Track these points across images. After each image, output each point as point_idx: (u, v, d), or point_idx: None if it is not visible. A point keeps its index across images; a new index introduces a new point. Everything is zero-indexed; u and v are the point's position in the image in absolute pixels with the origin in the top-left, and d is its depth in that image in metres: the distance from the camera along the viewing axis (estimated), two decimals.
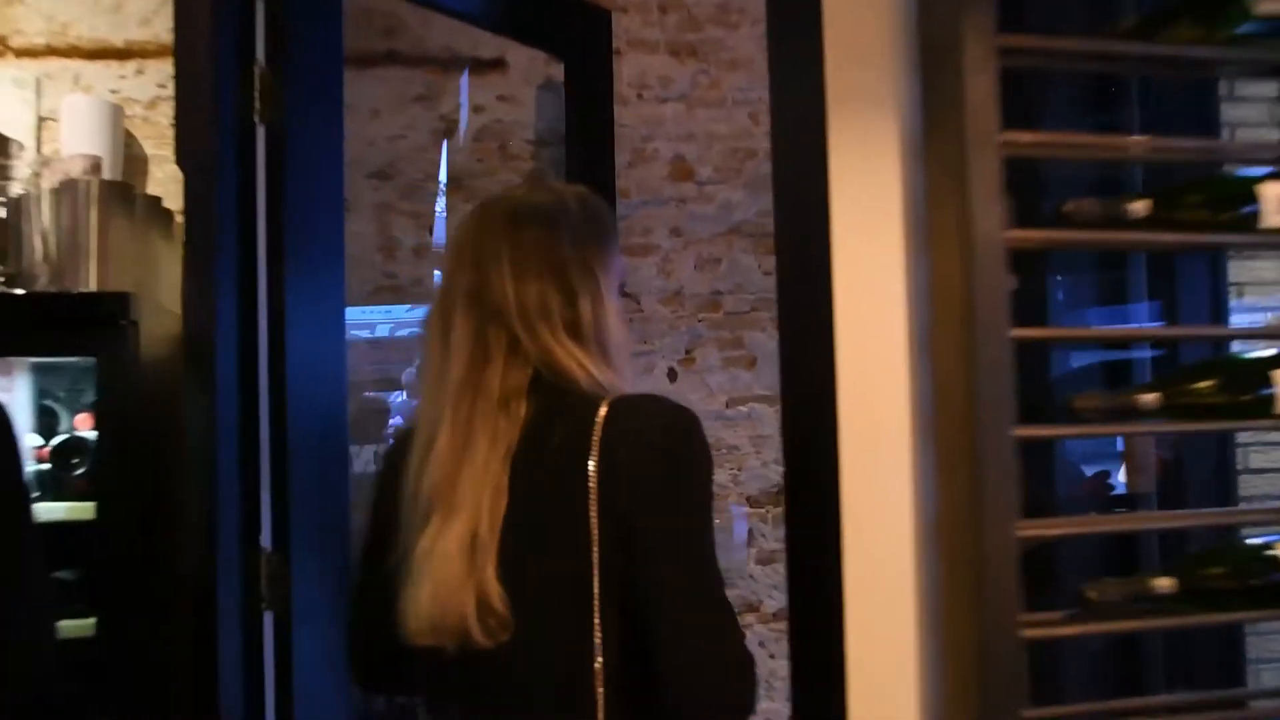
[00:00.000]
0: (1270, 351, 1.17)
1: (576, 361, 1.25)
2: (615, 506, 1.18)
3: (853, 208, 1.20)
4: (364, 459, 3.50)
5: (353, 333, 3.96)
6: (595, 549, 1.18)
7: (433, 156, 2.95)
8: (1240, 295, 2.68)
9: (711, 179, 3.06)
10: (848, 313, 1.19)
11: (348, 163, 2.96)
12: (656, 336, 3.04)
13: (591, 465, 1.19)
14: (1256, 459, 2.69)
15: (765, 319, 3.02)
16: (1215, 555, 1.18)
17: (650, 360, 3.03)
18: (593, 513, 1.18)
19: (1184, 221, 1.19)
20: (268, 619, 1.78)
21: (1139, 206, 1.17)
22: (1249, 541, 1.19)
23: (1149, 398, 1.16)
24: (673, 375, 3.05)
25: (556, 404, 1.24)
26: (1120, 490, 2.75)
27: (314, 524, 1.87)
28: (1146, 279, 2.56)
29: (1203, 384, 1.17)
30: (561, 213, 1.31)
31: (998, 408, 1.10)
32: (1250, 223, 1.18)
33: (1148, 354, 2.60)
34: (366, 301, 3.02)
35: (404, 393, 4.38)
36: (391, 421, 4.27)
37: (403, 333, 4.05)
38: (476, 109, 2.96)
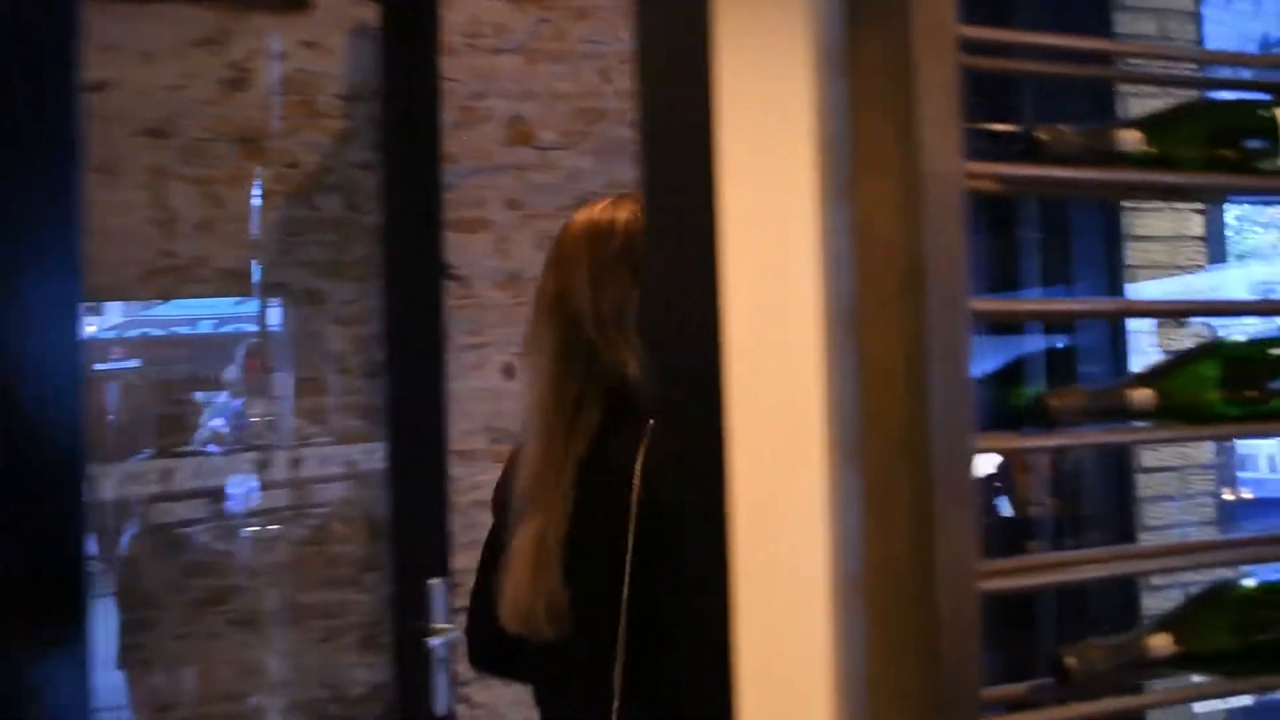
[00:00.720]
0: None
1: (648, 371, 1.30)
2: (647, 519, 1.27)
3: (745, 135, 0.90)
4: (157, 474, 3.04)
5: (172, 329, 3.57)
6: (629, 558, 1.27)
7: (221, 111, 2.54)
8: (1133, 280, 2.50)
9: (555, 144, 2.82)
10: (739, 283, 0.90)
11: (109, 116, 2.52)
12: (490, 326, 2.79)
13: (635, 477, 1.28)
14: (1149, 457, 2.51)
15: None
16: (1214, 603, 0.93)
17: (483, 354, 2.78)
18: (630, 523, 1.27)
19: (1178, 159, 0.93)
20: None
21: (1131, 137, 0.89)
22: (1246, 582, 0.94)
23: (1142, 395, 0.89)
24: (510, 371, 2.79)
25: (622, 415, 1.33)
26: (1005, 511, 2.52)
27: (29, 581, 1.47)
28: (1039, 262, 2.34)
29: (1208, 373, 0.91)
30: (640, 224, 1.36)
31: (957, 410, 0.79)
32: (1262, 159, 0.94)
33: (1042, 348, 2.38)
34: (140, 286, 2.56)
35: (225, 393, 3.99)
36: (209, 425, 3.85)
37: (228, 329, 3.68)
38: (275, 56, 2.56)
